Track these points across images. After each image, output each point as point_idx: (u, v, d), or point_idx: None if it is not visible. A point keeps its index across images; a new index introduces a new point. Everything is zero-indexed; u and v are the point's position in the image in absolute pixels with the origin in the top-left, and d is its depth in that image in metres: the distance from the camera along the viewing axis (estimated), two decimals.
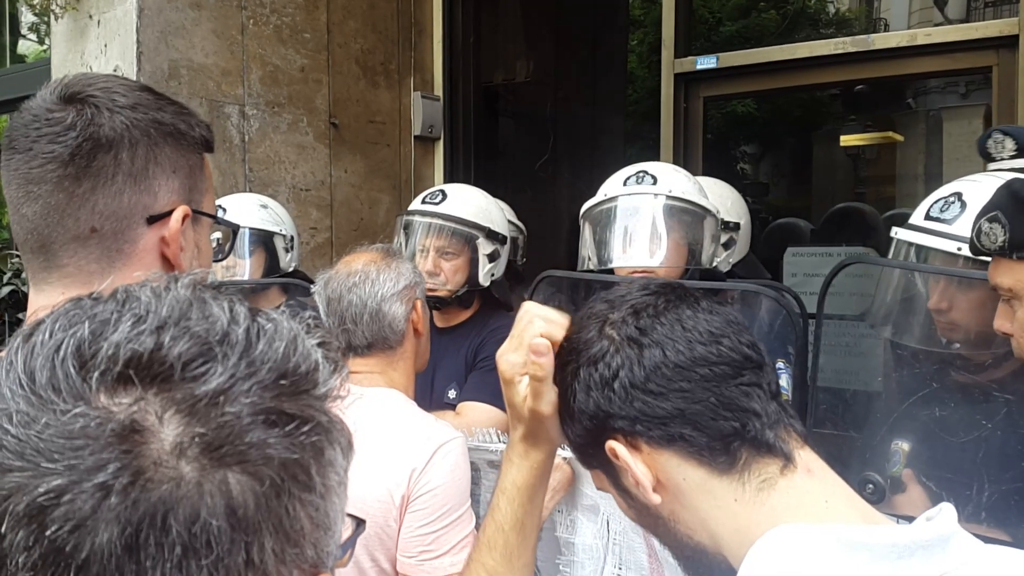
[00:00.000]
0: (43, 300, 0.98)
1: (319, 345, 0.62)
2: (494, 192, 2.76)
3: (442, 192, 2.60)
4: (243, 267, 2.80)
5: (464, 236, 2.51)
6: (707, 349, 0.92)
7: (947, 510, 0.88)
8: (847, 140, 9.03)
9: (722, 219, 2.40)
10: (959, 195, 1.88)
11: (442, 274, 2.47)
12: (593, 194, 2.40)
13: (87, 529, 0.49)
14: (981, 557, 0.89)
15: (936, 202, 1.90)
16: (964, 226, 1.82)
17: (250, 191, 3.48)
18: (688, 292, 1.00)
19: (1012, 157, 2.72)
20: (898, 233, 1.95)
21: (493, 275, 2.52)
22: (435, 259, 2.48)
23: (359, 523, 0.67)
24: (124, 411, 0.52)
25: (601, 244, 2.34)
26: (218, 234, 1.21)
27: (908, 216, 2.01)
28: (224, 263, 2.77)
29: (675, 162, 3.91)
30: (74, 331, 0.55)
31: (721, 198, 2.66)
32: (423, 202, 2.59)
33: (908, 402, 2.00)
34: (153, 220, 1.01)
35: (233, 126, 3.53)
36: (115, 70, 3.24)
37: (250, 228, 2.83)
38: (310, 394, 0.59)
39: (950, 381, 1.93)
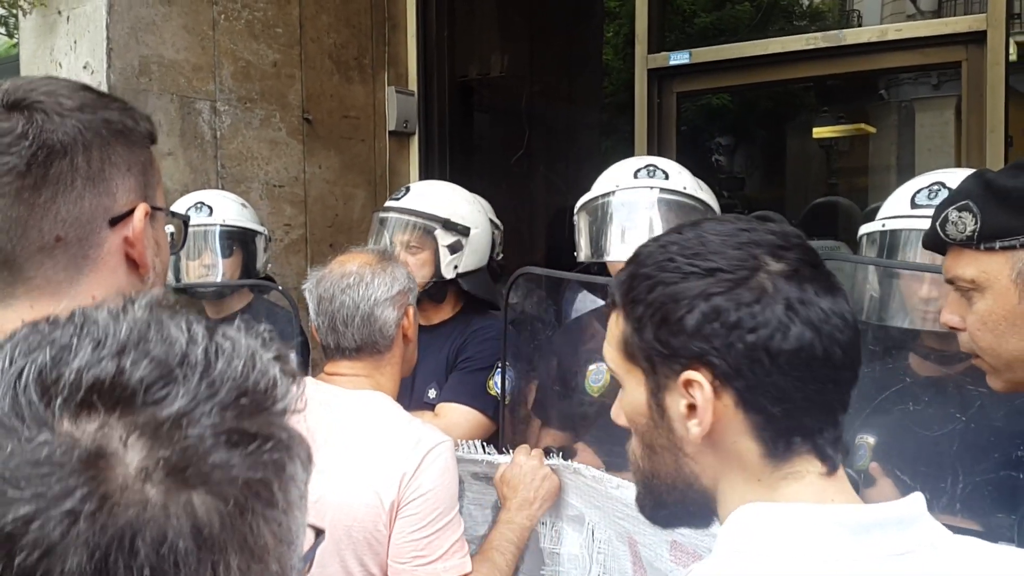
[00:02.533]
0: (11, 315, 0.95)
1: (275, 359, 0.63)
2: (470, 187, 2.76)
3: (407, 188, 2.60)
4: (221, 266, 2.78)
5: (423, 228, 2.49)
6: (842, 353, 0.90)
7: (916, 497, 0.94)
8: (820, 132, 9.10)
9: None
10: (942, 184, 1.90)
11: (408, 269, 2.47)
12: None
13: (56, 555, 0.49)
14: (949, 542, 0.94)
15: (920, 191, 1.92)
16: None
17: (222, 188, 3.46)
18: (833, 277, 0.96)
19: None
20: (886, 224, 1.95)
21: (456, 267, 2.49)
22: (403, 255, 2.47)
23: (319, 533, 0.69)
24: (88, 437, 0.52)
25: (599, 236, 2.34)
26: (171, 228, 1.17)
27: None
28: (204, 262, 2.75)
29: (649, 153, 3.92)
30: (34, 357, 0.55)
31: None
32: (390, 199, 2.61)
33: (880, 398, 2.02)
34: (115, 221, 1.00)
35: (205, 122, 3.50)
36: (85, 67, 3.21)
37: (238, 227, 2.82)
38: (270, 411, 0.60)
39: (918, 375, 1.96)
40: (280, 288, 3.00)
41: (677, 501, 1.00)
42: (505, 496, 1.92)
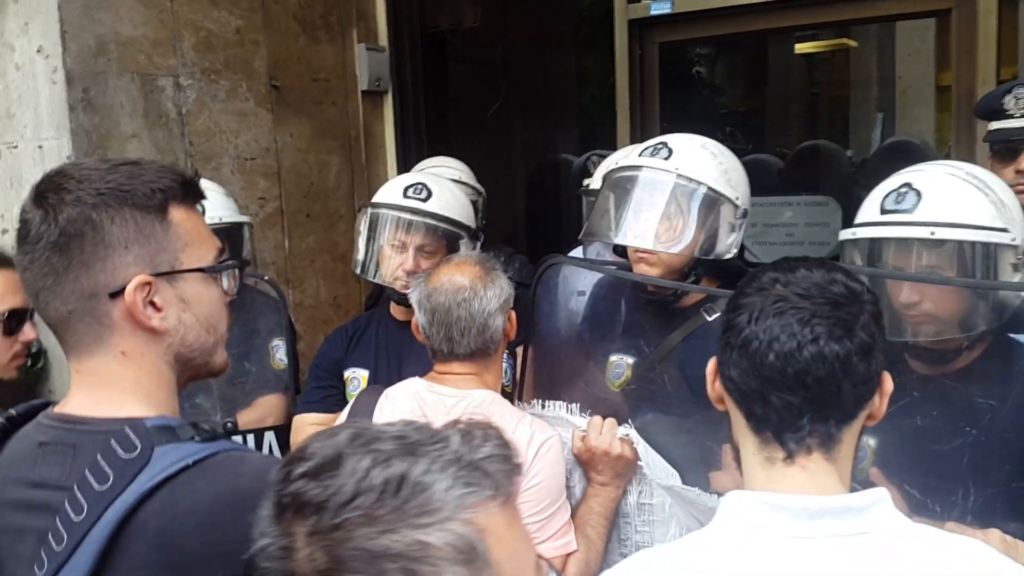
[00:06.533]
0: (72, 365, 1.17)
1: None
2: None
3: (425, 187, 2.55)
4: None
5: (448, 235, 2.53)
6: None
7: (874, 490, 1.17)
8: (802, 48, 8.91)
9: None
10: (909, 184, 1.85)
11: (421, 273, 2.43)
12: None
13: None
14: (903, 529, 1.16)
15: (888, 195, 1.86)
16: (926, 212, 1.80)
17: (191, 166, 3.34)
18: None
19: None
20: (856, 232, 1.91)
21: None
22: (416, 257, 2.48)
23: None
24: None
25: (609, 218, 2.27)
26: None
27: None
28: None
29: (632, 108, 3.81)
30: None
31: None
32: (406, 196, 2.53)
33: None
34: (115, 295, 1.13)
35: (168, 99, 3.35)
36: (39, 51, 3.05)
37: (224, 223, 2.75)
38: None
39: (909, 377, 1.93)
40: (267, 278, 2.94)
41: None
42: (587, 466, 2.06)
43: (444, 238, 2.52)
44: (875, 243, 1.89)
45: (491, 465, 0.82)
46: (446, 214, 2.52)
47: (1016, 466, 1.76)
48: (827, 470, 1.20)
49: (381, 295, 2.91)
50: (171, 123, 3.36)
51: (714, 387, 1.30)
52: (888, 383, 1.24)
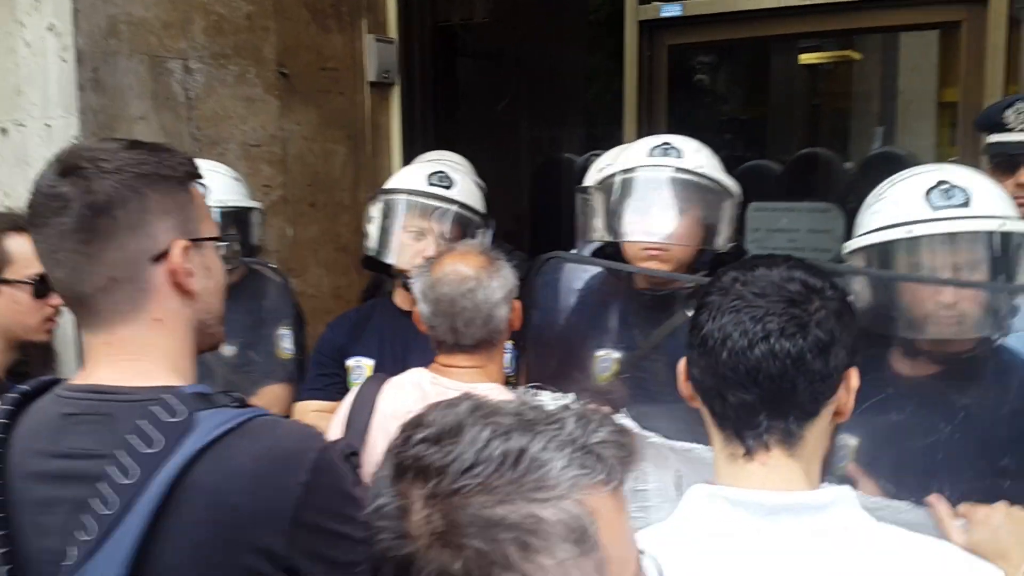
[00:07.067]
0: (95, 339, 1.20)
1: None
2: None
3: (447, 176, 2.60)
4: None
5: (467, 223, 2.57)
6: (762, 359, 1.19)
7: (836, 489, 1.19)
8: (806, 59, 8.93)
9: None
10: (948, 182, 1.83)
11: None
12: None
13: None
14: (865, 528, 1.16)
15: (931, 191, 1.82)
16: (983, 206, 1.79)
17: (199, 151, 3.33)
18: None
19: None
20: (913, 230, 1.82)
21: None
22: (437, 245, 2.50)
23: None
24: None
25: (617, 216, 2.31)
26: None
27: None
28: None
29: (639, 109, 3.82)
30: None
31: None
32: (430, 183, 2.58)
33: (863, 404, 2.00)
34: (157, 259, 1.19)
35: (177, 82, 3.35)
36: (50, 29, 3.04)
37: (233, 207, 2.74)
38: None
39: (900, 378, 1.93)
40: (272, 265, 2.93)
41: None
42: None
43: (463, 226, 2.55)
44: (916, 241, 1.82)
45: (606, 450, 0.84)
46: (469, 203, 2.57)
47: (992, 462, 1.76)
48: (789, 466, 1.20)
49: (379, 286, 2.91)
50: (179, 106, 3.36)
51: (685, 384, 1.32)
52: (854, 379, 1.24)
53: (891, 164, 3.96)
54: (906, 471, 1.82)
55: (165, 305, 1.20)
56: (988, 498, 1.72)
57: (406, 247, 2.53)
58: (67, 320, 2.48)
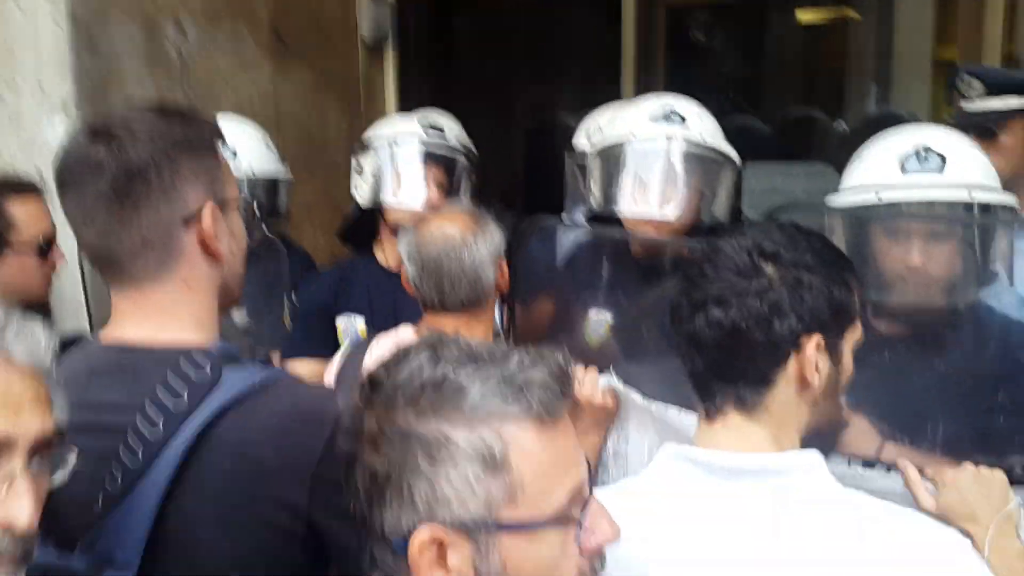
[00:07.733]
0: (123, 298, 1.24)
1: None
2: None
3: (434, 125, 2.74)
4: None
5: (453, 163, 2.69)
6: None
7: (806, 452, 1.20)
8: (803, 16, 8.84)
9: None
10: (927, 147, 1.82)
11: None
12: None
13: None
14: (828, 492, 1.17)
15: (908, 156, 1.81)
16: (955, 174, 1.78)
17: None
18: None
19: (979, 97, 2.69)
20: (881, 194, 1.82)
21: None
22: (433, 190, 2.63)
23: None
24: None
25: (619, 188, 2.28)
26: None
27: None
28: None
29: (637, 69, 3.81)
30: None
31: None
32: (429, 134, 2.70)
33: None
34: (188, 222, 1.23)
35: (170, 43, 3.32)
36: None
37: (265, 179, 2.78)
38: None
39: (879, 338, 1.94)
40: (272, 236, 2.93)
41: None
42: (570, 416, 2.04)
43: (450, 167, 2.69)
44: (884, 206, 1.83)
45: (534, 386, 0.93)
46: (454, 144, 2.69)
47: (965, 424, 1.76)
48: (751, 429, 1.21)
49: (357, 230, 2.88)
50: (172, 68, 3.33)
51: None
52: (810, 349, 1.19)
53: (891, 125, 3.96)
54: (881, 429, 1.84)
55: (193, 267, 1.24)
56: (960, 460, 1.75)
57: (417, 188, 2.61)
58: (63, 279, 2.50)
